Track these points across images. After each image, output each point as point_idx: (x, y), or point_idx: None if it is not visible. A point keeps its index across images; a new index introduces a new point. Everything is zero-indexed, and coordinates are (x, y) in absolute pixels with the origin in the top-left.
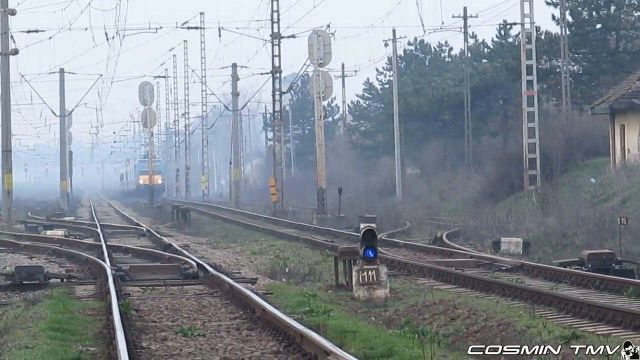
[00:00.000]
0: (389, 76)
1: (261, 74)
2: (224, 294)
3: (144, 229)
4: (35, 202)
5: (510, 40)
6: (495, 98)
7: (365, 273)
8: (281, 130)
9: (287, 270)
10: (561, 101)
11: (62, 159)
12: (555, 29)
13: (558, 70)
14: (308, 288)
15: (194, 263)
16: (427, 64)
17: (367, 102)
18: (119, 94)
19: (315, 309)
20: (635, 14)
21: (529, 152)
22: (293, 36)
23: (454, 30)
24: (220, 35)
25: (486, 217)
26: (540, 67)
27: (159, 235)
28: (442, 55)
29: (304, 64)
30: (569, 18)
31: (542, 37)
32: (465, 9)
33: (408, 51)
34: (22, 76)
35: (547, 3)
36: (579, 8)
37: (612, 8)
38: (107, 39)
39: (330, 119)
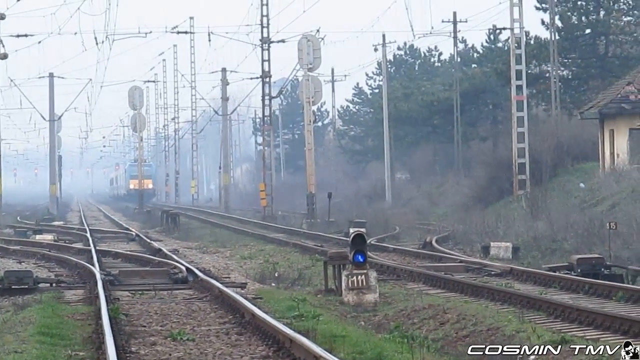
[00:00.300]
0: (379, 81)
1: (251, 78)
2: (213, 298)
3: (134, 233)
4: (24, 206)
5: (500, 45)
6: (485, 103)
7: (355, 278)
8: (271, 134)
9: (276, 275)
10: (550, 106)
11: (51, 164)
12: (544, 34)
13: (547, 75)
14: (297, 293)
15: (183, 268)
16: (416, 68)
17: (356, 107)
18: (109, 99)
19: (305, 313)
20: (625, 19)
21: (518, 157)
22: (283, 41)
23: (443, 35)
24: (209, 40)
25: (475, 221)
26: (529, 71)
27: (148, 240)
28: (432, 60)
29: (294, 69)
30: (558, 23)
31: (532, 42)
32: (454, 13)
33: (398, 56)
34: (12, 80)
35: (537, 8)
36: (568, 13)
37: (602, 13)
38: (97, 44)
39: (319, 123)
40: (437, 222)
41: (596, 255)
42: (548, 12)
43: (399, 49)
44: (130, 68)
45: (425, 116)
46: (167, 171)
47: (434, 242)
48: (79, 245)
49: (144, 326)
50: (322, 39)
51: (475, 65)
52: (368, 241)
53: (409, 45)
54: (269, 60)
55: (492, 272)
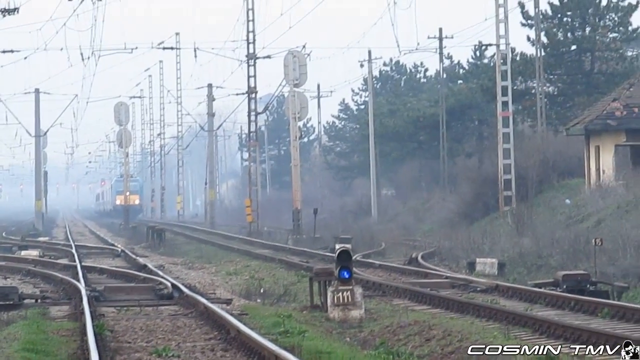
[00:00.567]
0: (365, 97)
1: (237, 94)
2: (198, 314)
3: (119, 249)
4: (9, 222)
5: (486, 61)
6: (471, 119)
7: (340, 294)
8: (257, 150)
9: (262, 291)
10: (536, 122)
11: (37, 179)
12: (530, 50)
13: (533, 91)
14: (283, 309)
15: (168, 284)
16: (402, 84)
17: (342, 123)
18: (95, 114)
19: (290, 329)
20: (610, 36)
21: (504, 173)
22: (269, 57)
23: (429, 51)
24: (195, 56)
25: (461, 237)
26: (515, 88)
27: (133, 256)
28: (418, 76)
29: (280, 85)
30: (544, 39)
31: (518, 58)
32: (440, 30)
33: (384, 72)
34: None
35: (522, 24)
36: (554, 29)
37: (587, 29)
38: (83, 59)
39: (305, 139)
40: (423, 238)
41: (582, 272)
42: (534, 28)
43: (384, 65)
44: (116, 84)
45: (411, 132)
46: (153, 187)
47: (419, 258)
48: (64, 261)
49: (129, 342)
50: (308, 54)
51: (461, 82)
52: (354, 257)
53: (395, 61)
54: (254, 76)
55: (478, 289)
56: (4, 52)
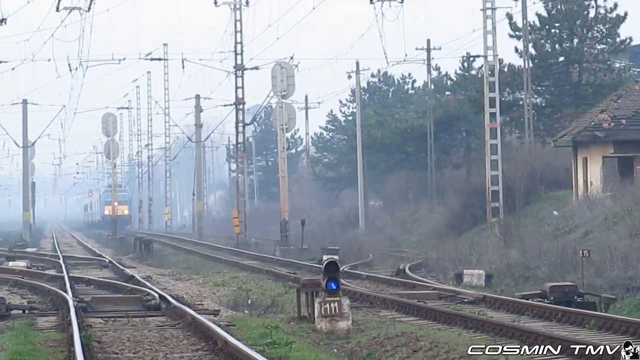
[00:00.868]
0: (352, 108)
1: (224, 105)
2: (186, 325)
3: (107, 260)
4: None
5: (474, 72)
6: (459, 130)
7: (328, 305)
8: (244, 161)
9: (249, 302)
10: (524, 133)
11: (24, 190)
12: (518, 62)
13: (521, 102)
14: (270, 320)
15: (156, 294)
16: (390, 96)
17: (330, 134)
18: (82, 125)
19: (278, 340)
20: (598, 47)
21: (491, 185)
22: (256, 68)
23: (417, 62)
24: (183, 67)
25: (449, 249)
26: (503, 99)
27: (121, 267)
28: (406, 87)
29: (268, 96)
30: (532, 51)
31: (505, 69)
32: (428, 41)
33: (371, 83)
34: None
35: (510, 36)
36: (542, 41)
37: (575, 41)
38: (70, 70)
39: (293, 150)
40: (411, 249)
41: (569, 283)
42: (522, 39)
43: (372, 76)
44: (104, 95)
45: (399, 143)
46: (141, 198)
47: (407, 270)
48: (52, 272)
49: (117, 353)
50: (296, 66)
51: (448, 93)
52: (341, 268)
53: (383, 73)
54: (242, 87)
55: (465, 300)
56: None
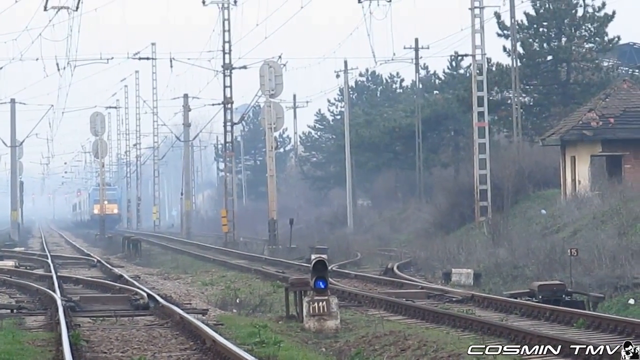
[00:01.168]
0: (341, 107)
1: (213, 104)
2: (174, 324)
3: (95, 259)
4: None
5: (462, 71)
6: (447, 129)
7: (316, 304)
8: (232, 161)
9: (238, 301)
10: (512, 132)
11: (12, 190)
12: (506, 61)
13: (509, 101)
14: (259, 319)
15: (144, 294)
16: (378, 95)
17: (318, 133)
18: (70, 125)
19: (266, 340)
20: (586, 46)
21: (480, 184)
22: (244, 67)
23: (405, 61)
24: (171, 66)
25: (437, 248)
26: (491, 98)
27: (109, 266)
28: (394, 86)
29: (256, 95)
30: (520, 50)
31: (493, 68)
32: (416, 40)
33: (359, 82)
34: None
35: (499, 35)
36: (530, 40)
37: (563, 40)
38: (59, 69)
39: (281, 149)
40: (399, 248)
41: (557, 282)
42: (510, 38)
43: (360, 75)
44: (92, 94)
45: (387, 142)
46: (129, 197)
47: (395, 269)
48: (40, 272)
49: (105, 352)
50: (284, 65)
51: (437, 92)
52: (329, 267)
53: (371, 72)
54: (230, 87)
55: (454, 299)
56: None
